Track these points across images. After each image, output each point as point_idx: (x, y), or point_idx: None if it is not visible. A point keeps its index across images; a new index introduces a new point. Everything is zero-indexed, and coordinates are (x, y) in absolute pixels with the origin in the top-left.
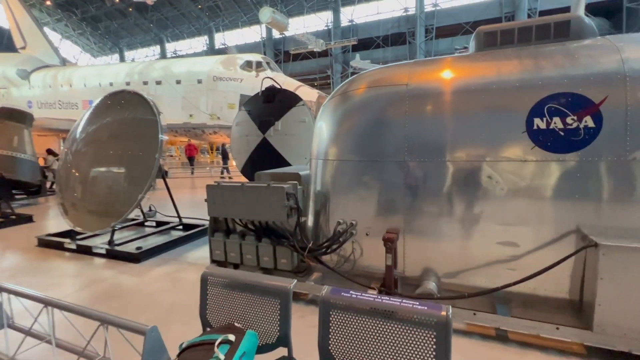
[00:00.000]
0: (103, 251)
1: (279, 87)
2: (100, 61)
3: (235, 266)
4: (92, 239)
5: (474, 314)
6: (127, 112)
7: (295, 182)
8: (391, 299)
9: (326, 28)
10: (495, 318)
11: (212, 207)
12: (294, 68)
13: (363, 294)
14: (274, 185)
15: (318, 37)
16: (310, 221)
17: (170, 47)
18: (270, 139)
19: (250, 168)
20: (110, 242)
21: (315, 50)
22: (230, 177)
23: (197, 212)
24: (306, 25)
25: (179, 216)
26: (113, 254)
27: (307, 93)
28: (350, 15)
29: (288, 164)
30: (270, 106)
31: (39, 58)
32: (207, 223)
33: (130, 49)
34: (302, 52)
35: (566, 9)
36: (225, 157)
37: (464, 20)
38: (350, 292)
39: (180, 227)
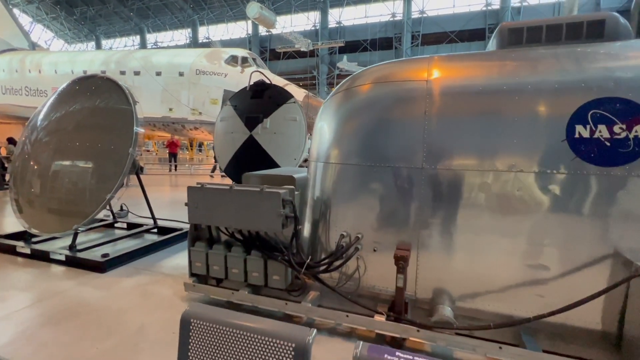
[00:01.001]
0: (62, 257)
1: (268, 81)
2: (75, 49)
3: (218, 281)
4: (50, 243)
5: (500, 347)
6: (98, 99)
7: (292, 187)
8: None
9: (313, 28)
10: (525, 353)
11: (194, 212)
12: (280, 67)
13: (416, 357)
14: (268, 190)
15: (305, 37)
16: (306, 231)
17: (151, 38)
18: (258, 137)
19: (235, 168)
20: (72, 247)
21: (302, 49)
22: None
23: (175, 213)
24: (293, 24)
25: (153, 218)
26: (74, 261)
27: (295, 92)
28: (338, 16)
29: (276, 165)
30: (258, 102)
31: (6, 40)
32: (186, 227)
33: (108, 38)
34: (289, 50)
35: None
36: None
37: (449, 29)
38: (397, 353)
39: (155, 230)
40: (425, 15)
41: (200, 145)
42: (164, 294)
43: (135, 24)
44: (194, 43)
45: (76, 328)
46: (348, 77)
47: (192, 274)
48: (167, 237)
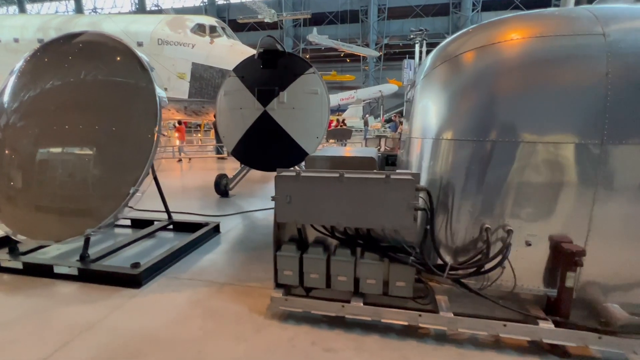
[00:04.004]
0: (73, 271)
1: (281, 48)
2: None
3: (307, 290)
4: (39, 252)
5: None
6: (89, 67)
7: (418, 173)
8: None
9: None
10: None
11: (285, 208)
12: (241, 39)
13: None
14: (396, 176)
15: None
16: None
17: (88, 2)
18: (273, 113)
19: (246, 148)
20: (84, 257)
21: (265, 20)
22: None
23: (179, 204)
24: None
25: (168, 212)
26: (92, 276)
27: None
28: None
29: (295, 144)
30: (271, 72)
31: None
32: (210, 220)
33: (33, 2)
34: (250, 22)
35: (508, 1)
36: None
37: (414, 3)
38: None
39: (171, 227)
40: None
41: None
42: (237, 311)
43: None
44: (141, 10)
45: None
46: (473, 29)
47: (278, 284)
48: (197, 236)
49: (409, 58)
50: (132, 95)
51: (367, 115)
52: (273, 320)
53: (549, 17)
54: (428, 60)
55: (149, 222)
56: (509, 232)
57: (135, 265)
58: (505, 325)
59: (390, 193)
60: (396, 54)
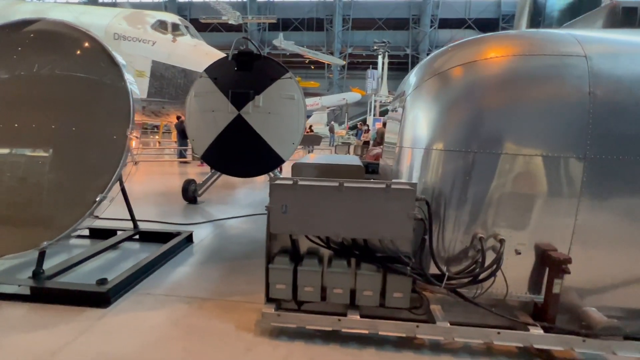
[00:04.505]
0: (24, 291)
1: (257, 51)
2: None
3: (299, 304)
4: None
5: None
6: (44, 60)
7: (416, 183)
8: None
9: (241, 0)
10: None
11: (280, 218)
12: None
13: None
14: (396, 186)
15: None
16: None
17: None
18: (248, 118)
19: (218, 153)
20: (38, 274)
21: (229, 22)
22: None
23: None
24: None
25: (133, 220)
26: (48, 296)
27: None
28: None
29: (271, 150)
30: (246, 75)
31: None
32: (182, 229)
33: None
34: (214, 22)
35: (462, 20)
36: (184, 137)
37: (377, 16)
38: None
39: (137, 237)
40: None
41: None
42: (223, 329)
43: None
44: (93, 1)
45: None
46: (446, 52)
47: (269, 299)
48: (170, 246)
49: (373, 68)
50: (96, 92)
51: (332, 122)
52: (264, 338)
53: (534, 37)
54: (414, 74)
55: (111, 232)
56: (502, 241)
57: (102, 281)
58: (499, 333)
59: (390, 203)
60: (359, 64)
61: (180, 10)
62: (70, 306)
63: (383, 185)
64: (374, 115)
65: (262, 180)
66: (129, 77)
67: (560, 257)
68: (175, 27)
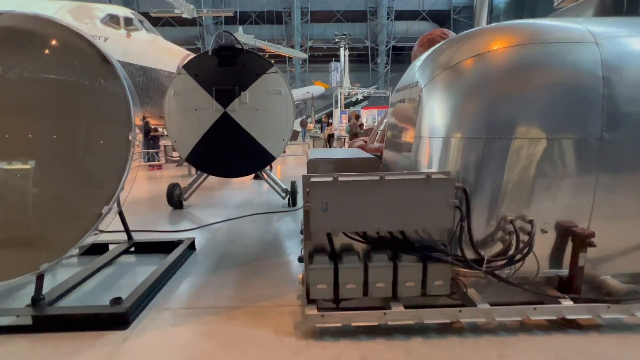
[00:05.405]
0: (25, 321)
1: (239, 45)
2: None
3: (337, 302)
4: None
5: None
6: (10, 62)
7: (449, 171)
8: None
9: None
10: None
11: (321, 216)
12: None
13: None
14: (436, 176)
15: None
16: None
17: None
18: (235, 115)
19: (205, 153)
20: (38, 300)
21: (183, 16)
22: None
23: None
24: None
25: (127, 231)
26: (55, 324)
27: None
28: None
29: (261, 147)
30: (229, 71)
31: None
32: (181, 236)
33: None
34: (165, 16)
35: (417, 12)
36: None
37: (335, 9)
38: None
39: (132, 249)
40: None
41: None
42: (262, 336)
43: None
44: None
45: None
46: (466, 37)
47: (310, 300)
48: (177, 256)
49: (336, 61)
50: (87, 95)
51: (304, 117)
52: (308, 340)
53: (541, 26)
54: (417, 68)
55: (103, 246)
56: (531, 222)
57: (117, 300)
58: (535, 309)
59: (431, 193)
60: (320, 57)
61: (127, 3)
62: (82, 332)
63: (423, 176)
64: (340, 108)
65: (240, 180)
66: (124, 75)
67: (585, 233)
68: (128, 21)
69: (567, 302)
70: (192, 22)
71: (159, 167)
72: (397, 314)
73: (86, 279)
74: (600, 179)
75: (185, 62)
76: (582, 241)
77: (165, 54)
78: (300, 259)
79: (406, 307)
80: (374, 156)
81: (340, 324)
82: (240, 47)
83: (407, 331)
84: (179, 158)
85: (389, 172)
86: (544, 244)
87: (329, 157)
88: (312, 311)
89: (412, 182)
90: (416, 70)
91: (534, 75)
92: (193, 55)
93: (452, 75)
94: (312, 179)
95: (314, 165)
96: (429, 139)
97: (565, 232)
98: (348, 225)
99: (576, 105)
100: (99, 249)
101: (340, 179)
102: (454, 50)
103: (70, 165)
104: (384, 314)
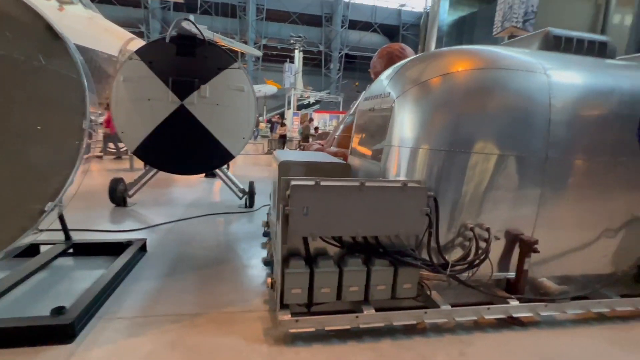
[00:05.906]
0: None
1: (201, 36)
2: None
3: (308, 307)
4: None
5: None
6: None
7: (420, 179)
8: None
9: None
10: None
11: (302, 221)
12: None
13: None
14: (412, 185)
15: None
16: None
17: None
18: (193, 109)
19: (156, 148)
20: None
21: None
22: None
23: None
24: None
25: (65, 231)
26: None
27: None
28: None
29: (219, 145)
30: (188, 61)
31: None
32: (129, 237)
33: None
34: None
35: (369, 24)
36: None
37: (291, 10)
38: None
39: (71, 251)
40: None
41: None
42: (231, 344)
43: None
44: None
45: None
46: (430, 56)
47: (283, 305)
48: (127, 259)
49: (290, 62)
50: (32, 77)
51: (257, 116)
52: (280, 347)
53: (501, 54)
54: (389, 80)
55: (33, 247)
56: (488, 229)
57: (59, 310)
58: (488, 309)
59: (406, 200)
60: (273, 56)
61: None
62: (17, 348)
63: (399, 184)
64: (293, 110)
65: (190, 177)
66: (79, 56)
67: (530, 240)
68: None
69: (514, 302)
70: (136, 3)
71: (99, 157)
72: (369, 317)
73: (16, 285)
74: (544, 193)
75: (130, 45)
76: (528, 247)
77: (105, 34)
78: (266, 263)
79: (377, 310)
80: (345, 162)
81: (314, 329)
82: (203, 37)
83: (376, 333)
84: (115, 150)
85: (368, 179)
86: (495, 250)
87: (300, 159)
88: (286, 316)
89: (389, 190)
90: (387, 81)
91: (492, 97)
92: (137, 39)
93: (422, 90)
94: (294, 182)
95: (285, 168)
96: (399, 148)
97: (513, 239)
98: (327, 230)
99: (526, 126)
100: (30, 250)
101: (322, 183)
102: (424, 66)
103: (4, 155)
104: (357, 317)
